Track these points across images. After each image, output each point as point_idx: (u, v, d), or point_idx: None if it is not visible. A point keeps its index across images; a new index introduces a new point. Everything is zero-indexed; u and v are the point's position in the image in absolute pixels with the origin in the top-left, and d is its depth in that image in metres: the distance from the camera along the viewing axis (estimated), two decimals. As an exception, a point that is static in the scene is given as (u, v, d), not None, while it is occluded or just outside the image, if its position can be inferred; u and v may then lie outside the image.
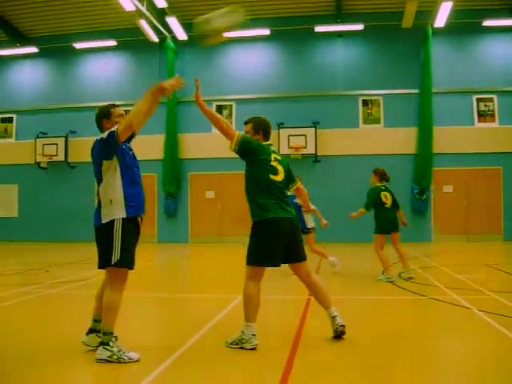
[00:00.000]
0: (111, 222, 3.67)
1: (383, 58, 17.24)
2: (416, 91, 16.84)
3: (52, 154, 18.09)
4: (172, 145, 17.52)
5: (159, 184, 17.71)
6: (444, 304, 5.88)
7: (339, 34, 17.17)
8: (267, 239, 3.96)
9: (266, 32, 16.94)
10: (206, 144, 17.12)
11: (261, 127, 4.32)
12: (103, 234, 3.69)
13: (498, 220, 16.53)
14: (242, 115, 15.64)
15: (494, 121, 16.88)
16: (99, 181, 3.82)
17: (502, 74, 16.87)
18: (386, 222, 7.74)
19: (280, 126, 16.56)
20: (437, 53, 16.80)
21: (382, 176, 7.87)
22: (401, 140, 16.80)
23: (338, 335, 4.11)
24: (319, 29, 16.81)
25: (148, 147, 16.00)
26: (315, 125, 16.71)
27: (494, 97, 16.90)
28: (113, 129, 3.81)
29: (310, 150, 16.60)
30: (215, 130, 4.36)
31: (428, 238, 16.43)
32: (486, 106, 16.96)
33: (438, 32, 16.68)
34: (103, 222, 3.70)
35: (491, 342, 4.22)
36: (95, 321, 4.01)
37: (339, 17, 16.87)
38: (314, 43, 17.40)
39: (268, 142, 4.34)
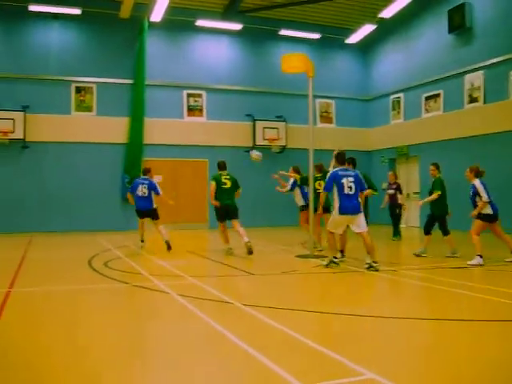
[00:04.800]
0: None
1: (99, 46, 21.36)
2: (130, 82, 21.38)
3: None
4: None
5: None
6: (146, 290, 7.67)
7: (54, 16, 20.82)
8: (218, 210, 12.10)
9: None
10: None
11: (218, 165, 12.63)
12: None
13: (203, 209, 23.18)
14: None
15: (202, 115, 23.50)
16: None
17: (211, 73, 22.60)
18: None
19: None
20: (152, 46, 21.45)
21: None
22: (112, 129, 21.26)
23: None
24: (33, 8, 20.27)
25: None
26: (24, 109, 20.22)
27: (203, 93, 23.10)
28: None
29: (19, 134, 19.99)
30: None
31: (136, 226, 22.26)
32: (195, 101, 23.35)
33: (154, 26, 21.29)
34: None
35: (184, 322, 5.76)
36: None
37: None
38: (28, 23, 20.70)
39: (222, 172, 12.44)
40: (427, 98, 21.31)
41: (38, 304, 7.31)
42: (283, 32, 23.29)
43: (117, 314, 6.58)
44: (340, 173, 9.82)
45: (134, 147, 21.41)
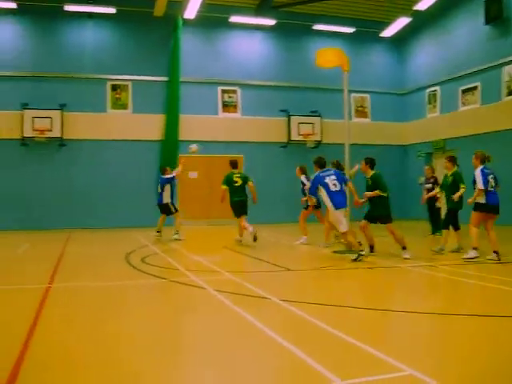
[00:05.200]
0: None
1: (134, 44, 21.58)
2: (165, 79, 21.56)
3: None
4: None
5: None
6: (183, 285, 7.74)
7: (90, 16, 21.20)
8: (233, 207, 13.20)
9: (13, 5, 20.16)
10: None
11: (230, 163, 13.59)
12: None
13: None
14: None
15: (236, 111, 23.55)
16: None
17: (245, 69, 22.72)
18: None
19: (24, 106, 20.19)
20: (186, 43, 21.60)
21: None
22: (148, 126, 21.47)
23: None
24: (69, 8, 20.64)
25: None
26: (61, 107, 20.56)
27: (238, 89, 23.21)
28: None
29: (56, 133, 20.46)
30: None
31: (172, 223, 22.38)
32: (230, 97, 23.41)
33: (188, 23, 21.43)
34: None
35: (222, 317, 5.85)
36: None
37: (90, -2, 21.58)
38: (64, 22, 21.01)
39: (233, 170, 13.30)
40: (464, 91, 21.00)
41: (77, 299, 7.39)
42: (317, 26, 23.21)
43: (155, 309, 6.64)
44: (321, 174, 10.71)
45: (170, 144, 21.60)
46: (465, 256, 10.18)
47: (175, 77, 21.51)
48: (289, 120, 22.81)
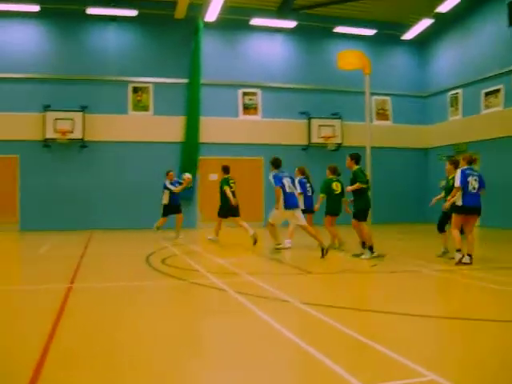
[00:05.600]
0: None
1: (155, 47, 21.74)
2: (185, 81, 21.67)
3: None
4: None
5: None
6: (203, 287, 7.78)
7: (112, 18, 21.43)
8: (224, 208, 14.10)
9: (36, 8, 20.48)
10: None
11: (222, 169, 14.64)
12: None
13: (259, 207, 23.28)
14: (6, 95, 20.31)
15: (257, 114, 23.57)
16: None
17: (266, 71, 22.72)
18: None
19: (47, 108, 20.50)
20: (207, 45, 21.69)
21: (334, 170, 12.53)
22: (169, 128, 21.56)
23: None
24: (91, 11, 21.03)
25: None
26: (83, 109, 20.80)
27: (258, 91, 23.23)
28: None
29: (77, 134, 20.63)
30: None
31: (193, 225, 22.21)
32: (250, 99, 23.43)
33: (209, 26, 21.51)
34: None
35: (242, 319, 5.85)
36: None
37: (113, 0, 21.59)
38: (86, 25, 21.19)
39: (228, 175, 13.96)
40: (487, 94, 20.81)
41: (98, 300, 7.42)
42: (338, 29, 23.18)
43: (176, 310, 6.69)
44: (281, 175, 11.52)
45: (190, 146, 21.68)
46: (455, 262, 10.09)
47: (196, 79, 21.58)
48: (309, 122, 22.81)
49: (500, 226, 19.60)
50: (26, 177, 20.20)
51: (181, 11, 21.41)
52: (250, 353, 4.89)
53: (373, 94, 20.48)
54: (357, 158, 11.28)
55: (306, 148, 22.81)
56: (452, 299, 7.75)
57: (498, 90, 20.20)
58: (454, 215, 10.20)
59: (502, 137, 19.91)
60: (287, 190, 11.32)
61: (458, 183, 10.23)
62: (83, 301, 7.28)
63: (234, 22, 22.27)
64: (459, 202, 10.26)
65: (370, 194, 11.55)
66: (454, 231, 10.11)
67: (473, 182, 10.05)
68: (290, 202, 11.31)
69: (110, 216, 20.68)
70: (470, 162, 10.35)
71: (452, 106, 22.75)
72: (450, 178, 11.32)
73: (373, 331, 5.61)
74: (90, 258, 11.81)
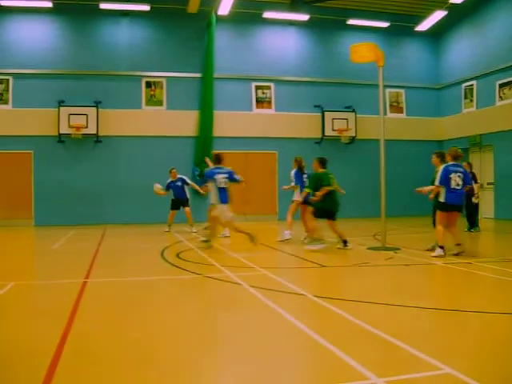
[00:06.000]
0: None
1: (168, 41, 21.76)
2: (198, 75, 21.64)
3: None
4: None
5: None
6: (218, 281, 7.79)
7: (125, 13, 21.35)
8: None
9: (49, 4, 20.54)
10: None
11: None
12: None
13: (273, 201, 23.31)
14: (20, 91, 20.65)
15: (270, 107, 23.55)
16: None
17: (279, 64, 22.70)
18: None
19: (61, 104, 20.64)
20: (220, 39, 21.68)
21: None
22: (182, 122, 21.60)
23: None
24: (104, 6, 21.05)
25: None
26: (97, 104, 20.93)
27: (272, 85, 23.21)
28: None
29: (92, 129, 20.88)
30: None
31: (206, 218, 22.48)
32: (263, 93, 23.42)
33: (221, 19, 21.52)
34: None
35: (257, 313, 5.87)
36: None
37: (126, -5, 21.84)
38: (99, 20, 21.29)
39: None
40: (501, 85, 20.65)
41: (113, 294, 7.48)
42: (351, 21, 23.07)
43: (190, 304, 6.68)
44: (216, 170, 11.99)
45: (204, 140, 21.68)
46: (432, 255, 10.27)
47: (209, 73, 21.56)
48: (323, 115, 22.76)
49: (515, 219, 19.46)
50: (41, 172, 20.27)
51: (193, 5, 21.40)
52: (265, 346, 4.90)
53: (386, 86, 20.43)
54: (322, 162, 11.84)
55: (319, 141, 22.76)
56: (469, 292, 7.71)
57: (512, 82, 20.01)
58: (438, 212, 10.32)
59: (517, 128, 19.72)
60: (219, 185, 11.78)
61: (437, 182, 10.36)
62: (98, 295, 7.35)
63: (247, 16, 22.19)
64: (442, 199, 10.36)
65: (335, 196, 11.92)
66: (438, 227, 10.27)
67: (456, 179, 10.11)
68: (223, 197, 11.80)
69: (124, 211, 20.78)
70: (456, 157, 10.38)
71: (466, 97, 22.60)
72: (436, 171, 11.27)
73: (389, 325, 5.61)
74: (105, 253, 11.88)
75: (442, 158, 11.15)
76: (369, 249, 11.76)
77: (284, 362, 4.44)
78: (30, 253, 13.21)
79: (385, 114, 14.71)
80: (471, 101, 22.42)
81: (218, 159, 12.25)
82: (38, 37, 20.81)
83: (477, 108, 22.26)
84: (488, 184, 21.59)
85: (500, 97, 20.76)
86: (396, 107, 23.81)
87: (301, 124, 22.54)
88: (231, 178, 12.01)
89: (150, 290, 7.72)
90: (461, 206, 10.31)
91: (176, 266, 9.63)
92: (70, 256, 11.64)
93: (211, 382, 4.16)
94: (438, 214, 10.27)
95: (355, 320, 5.60)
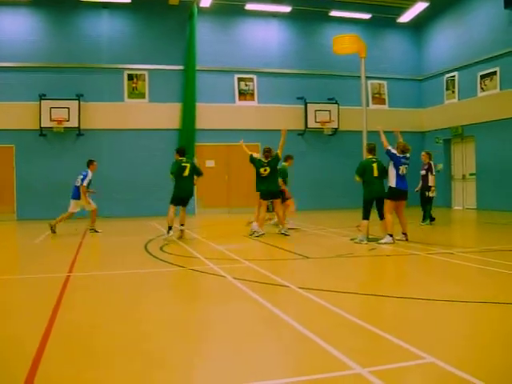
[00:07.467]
0: None
1: (149, 33, 21.62)
2: (181, 68, 21.55)
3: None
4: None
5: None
6: (202, 274, 7.82)
7: (104, 6, 21.13)
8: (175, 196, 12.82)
9: None
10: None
11: (177, 150, 12.77)
12: None
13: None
14: (0, 85, 20.40)
15: (253, 99, 23.50)
16: None
17: (261, 56, 22.59)
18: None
19: (42, 97, 20.40)
20: (202, 32, 21.60)
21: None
22: (165, 115, 21.49)
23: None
24: None
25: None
26: (79, 97, 20.76)
27: (254, 77, 23.08)
28: None
29: (73, 123, 20.68)
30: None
31: (192, 211, 22.54)
32: (246, 85, 23.37)
33: (203, 11, 21.45)
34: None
35: (241, 305, 5.89)
36: None
37: (105, -13, 21.58)
38: (80, 13, 21.09)
39: (181, 158, 12.36)
40: (483, 77, 20.79)
41: (96, 288, 7.44)
42: (333, 13, 23.09)
43: (173, 297, 6.74)
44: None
45: (187, 133, 21.62)
46: (380, 241, 10.87)
47: (191, 65, 21.52)
48: (306, 107, 22.78)
49: (496, 209, 19.64)
50: (22, 166, 20.10)
51: (175, -3, 21.17)
52: (249, 338, 4.91)
53: (369, 77, 20.48)
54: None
55: (302, 133, 22.78)
56: (452, 282, 7.75)
57: (494, 73, 20.17)
58: (387, 201, 11.00)
59: (498, 119, 19.89)
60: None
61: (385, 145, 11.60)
62: (82, 288, 7.32)
63: (229, 7, 22.11)
64: (393, 184, 11.10)
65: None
66: (387, 215, 10.98)
67: (403, 170, 11.06)
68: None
69: (107, 204, 20.61)
70: (404, 151, 11.13)
71: (448, 89, 22.73)
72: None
73: (372, 315, 5.66)
74: (88, 247, 11.80)
75: (402, 150, 11.56)
76: (352, 240, 11.78)
77: (268, 353, 4.45)
78: (12, 247, 13.06)
79: (367, 105, 14.78)
80: (453, 92, 22.55)
81: (181, 152, 12.74)
82: (17, 30, 20.55)
83: (459, 99, 22.39)
84: (470, 175, 21.75)
85: (482, 88, 20.89)
86: (378, 98, 23.89)
87: (284, 116, 22.51)
88: (194, 169, 12.70)
89: (133, 283, 7.70)
90: (407, 191, 11.12)
91: (160, 259, 9.61)
92: (52, 250, 11.55)
93: (196, 373, 4.15)
94: (387, 202, 10.97)
95: (338, 310, 5.63)
